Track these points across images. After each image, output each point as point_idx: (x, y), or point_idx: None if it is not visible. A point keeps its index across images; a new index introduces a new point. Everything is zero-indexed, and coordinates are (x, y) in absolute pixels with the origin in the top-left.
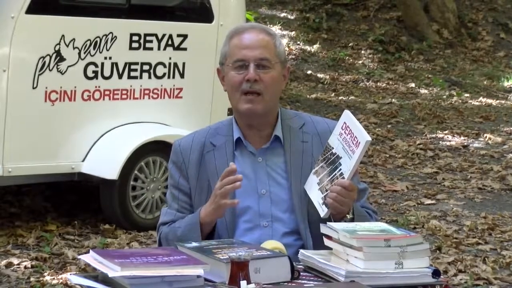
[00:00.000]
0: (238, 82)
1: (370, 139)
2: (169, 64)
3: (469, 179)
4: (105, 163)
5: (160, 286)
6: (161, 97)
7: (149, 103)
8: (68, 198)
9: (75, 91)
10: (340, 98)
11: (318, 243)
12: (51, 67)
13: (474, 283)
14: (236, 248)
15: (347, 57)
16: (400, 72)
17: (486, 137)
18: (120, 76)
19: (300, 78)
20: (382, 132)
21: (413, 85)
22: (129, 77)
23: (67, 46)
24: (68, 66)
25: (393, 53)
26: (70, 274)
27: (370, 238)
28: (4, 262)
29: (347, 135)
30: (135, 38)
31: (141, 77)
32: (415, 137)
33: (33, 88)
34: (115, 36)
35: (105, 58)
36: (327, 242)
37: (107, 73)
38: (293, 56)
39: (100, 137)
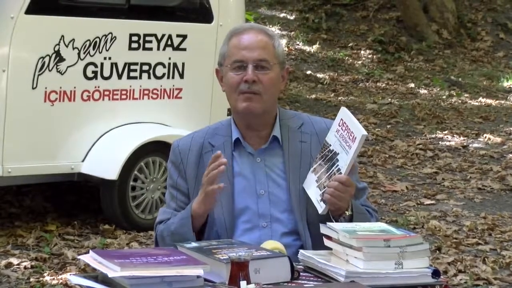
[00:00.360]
0: (236, 83)
1: (366, 133)
2: (169, 64)
3: (468, 179)
4: (105, 163)
5: (160, 286)
6: (160, 98)
7: (149, 104)
8: (68, 198)
9: (74, 91)
10: (339, 98)
11: (317, 243)
12: (50, 67)
13: (474, 283)
14: (236, 248)
15: (347, 57)
16: (399, 72)
17: (485, 137)
18: (119, 76)
19: (299, 78)
20: (381, 132)
21: (412, 85)
22: (129, 77)
23: (67, 46)
24: (68, 66)
25: (393, 53)
26: (70, 275)
27: (370, 238)
28: (4, 262)
29: (344, 131)
30: (135, 38)
31: (140, 78)
32: (414, 137)
33: (33, 88)
34: (115, 37)
35: (105, 58)
36: (327, 242)
37: (106, 73)
38: (293, 56)
39: (100, 137)
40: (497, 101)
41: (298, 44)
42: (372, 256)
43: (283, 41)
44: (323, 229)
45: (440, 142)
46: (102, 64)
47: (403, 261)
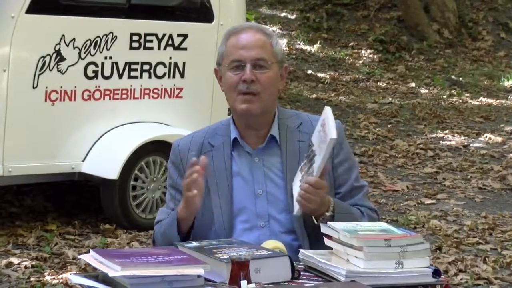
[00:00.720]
0: (235, 82)
1: (335, 137)
2: (169, 64)
3: (469, 179)
4: (106, 163)
5: (161, 286)
6: (161, 97)
7: (149, 103)
8: (68, 198)
9: (75, 91)
10: (340, 98)
11: (314, 243)
12: (51, 67)
13: (475, 283)
14: (236, 248)
15: (348, 57)
16: (400, 72)
17: (486, 136)
18: (120, 76)
19: (300, 78)
20: (382, 132)
21: (413, 85)
22: (129, 77)
23: (67, 45)
24: (68, 66)
25: (394, 53)
26: (71, 274)
27: (370, 238)
28: (4, 262)
29: (322, 132)
30: (135, 38)
31: (141, 77)
32: (415, 137)
33: (33, 88)
34: (115, 36)
35: (105, 58)
36: (327, 241)
37: (107, 73)
38: (293, 56)
39: (100, 137)
40: (498, 101)
41: (298, 44)
42: (372, 255)
43: (284, 41)
44: (323, 229)
45: (440, 142)
46: (102, 63)
47: (404, 261)
